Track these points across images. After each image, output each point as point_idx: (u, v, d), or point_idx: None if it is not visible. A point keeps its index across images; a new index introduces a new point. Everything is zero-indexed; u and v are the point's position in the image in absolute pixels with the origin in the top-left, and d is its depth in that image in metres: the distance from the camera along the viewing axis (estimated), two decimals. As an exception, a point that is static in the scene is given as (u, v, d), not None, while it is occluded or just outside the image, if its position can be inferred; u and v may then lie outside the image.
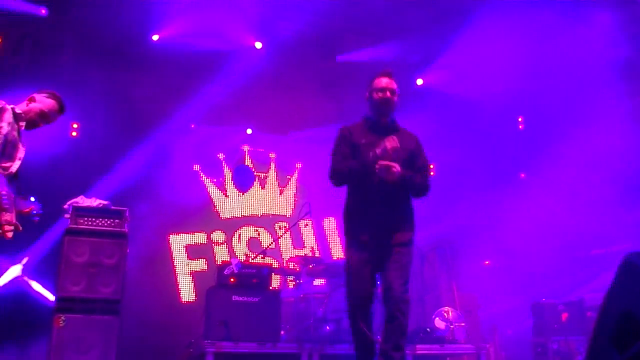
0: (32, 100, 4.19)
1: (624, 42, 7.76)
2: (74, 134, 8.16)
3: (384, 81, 4.14)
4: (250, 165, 9.41)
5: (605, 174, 7.70)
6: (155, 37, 7.96)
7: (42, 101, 4.20)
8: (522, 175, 9.55)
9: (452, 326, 6.92)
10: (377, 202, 4.03)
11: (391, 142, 3.91)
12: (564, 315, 7.10)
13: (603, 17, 7.53)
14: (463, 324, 6.98)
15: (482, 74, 8.60)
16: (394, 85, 4.15)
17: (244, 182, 9.34)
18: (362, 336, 3.99)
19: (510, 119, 9.64)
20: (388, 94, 4.11)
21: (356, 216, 4.16)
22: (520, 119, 9.72)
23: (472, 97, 8.83)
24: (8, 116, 3.94)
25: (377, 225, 4.03)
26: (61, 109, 4.29)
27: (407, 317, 3.94)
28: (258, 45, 8.22)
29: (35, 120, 4.17)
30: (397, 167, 3.93)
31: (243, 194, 9.30)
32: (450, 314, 7.02)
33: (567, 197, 8.12)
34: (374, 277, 4.11)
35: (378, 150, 3.92)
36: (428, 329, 6.76)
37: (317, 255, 9.00)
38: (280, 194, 9.54)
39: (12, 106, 4.03)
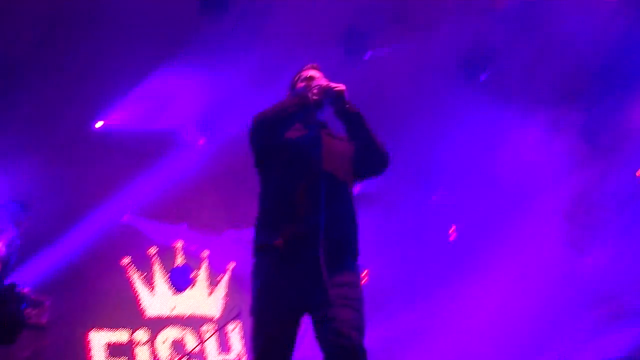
0: None
1: (561, 156, 8.18)
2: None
3: (311, 72, 3.26)
4: (186, 264, 9.23)
5: (535, 290, 7.89)
6: (98, 124, 7.94)
7: None
8: (452, 285, 9.65)
9: None
10: (306, 194, 2.84)
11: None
12: None
13: (539, 128, 7.98)
14: None
15: (415, 182, 8.86)
16: (321, 79, 3.18)
17: (182, 282, 9.11)
18: None
19: (442, 228, 9.85)
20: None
21: (271, 214, 2.95)
22: (451, 230, 9.95)
23: (404, 206, 9.04)
24: None
25: (304, 226, 2.79)
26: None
27: None
28: (201, 141, 8.29)
29: None
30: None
31: (178, 294, 9.05)
32: None
33: (497, 309, 8.24)
34: (297, 323, 2.83)
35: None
36: None
37: (243, 361, 8.73)
38: (210, 294, 9.31)
39: None
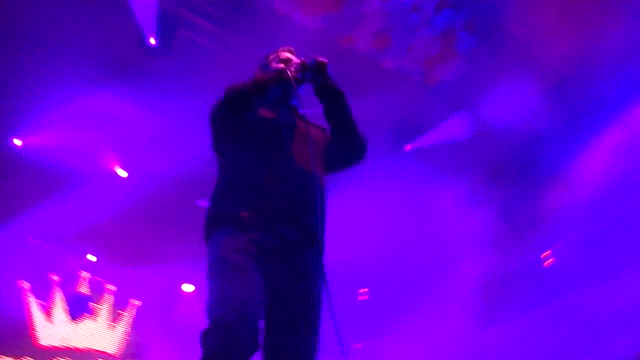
0: None
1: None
2: None
3: (287, 54, 2.97)
4: (88, 294, 8.89)
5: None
6: (17, 142, 7.67)
7: None
8: (359, 345, 9.63)
9: None
10: (274, 173, 2.60)
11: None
12: None
13: (460, 200, 8.15)
14: None
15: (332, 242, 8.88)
16: (299, 61, 2.84)
17: (78, 309, 8.75)
18: None
19: (352, 289, 9.85)
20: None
21: (236, 187, 2.63)
22: (363, 290, 9.94)
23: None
24: None
25: (271, 203, 2.53)
26: None
27: None
28: (123, 173, 8.11)
29: None
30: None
31: (74, 321, 8.68)
32: None
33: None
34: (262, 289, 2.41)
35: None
36: None
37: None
38: (110, 328, 8.95)
39: None
